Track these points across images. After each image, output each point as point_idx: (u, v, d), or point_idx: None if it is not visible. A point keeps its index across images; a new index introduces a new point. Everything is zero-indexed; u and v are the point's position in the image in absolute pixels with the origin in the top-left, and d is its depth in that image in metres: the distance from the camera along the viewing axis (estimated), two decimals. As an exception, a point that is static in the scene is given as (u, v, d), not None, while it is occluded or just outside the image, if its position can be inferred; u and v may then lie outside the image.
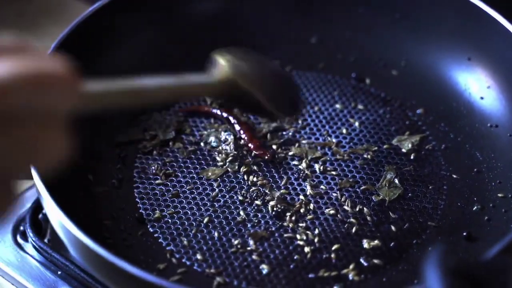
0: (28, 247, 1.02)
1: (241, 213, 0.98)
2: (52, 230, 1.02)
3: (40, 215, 1.04)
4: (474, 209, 0.99)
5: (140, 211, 0.99)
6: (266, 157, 1.03)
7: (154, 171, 1.02)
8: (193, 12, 1.18)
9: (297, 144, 1.06)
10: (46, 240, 1.02)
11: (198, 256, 0.94)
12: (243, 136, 1.06)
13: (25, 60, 0.52)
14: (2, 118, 0.51)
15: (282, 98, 0.87)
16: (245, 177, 1.02)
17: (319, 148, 1.06)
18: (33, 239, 1.00)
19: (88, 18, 1.06)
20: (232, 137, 1.05)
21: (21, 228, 1.04)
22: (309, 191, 1.00)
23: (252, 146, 1.05)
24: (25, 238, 1.03)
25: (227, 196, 1.00)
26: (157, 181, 1.02)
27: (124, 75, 1.07)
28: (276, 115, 0.87)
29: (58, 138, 0.54)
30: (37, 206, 1.04)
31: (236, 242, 0.95)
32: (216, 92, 0.82)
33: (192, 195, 1.00)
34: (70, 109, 0.55)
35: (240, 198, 0.99)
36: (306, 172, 1.03)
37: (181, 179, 1.02)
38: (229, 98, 0.83)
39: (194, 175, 1.03)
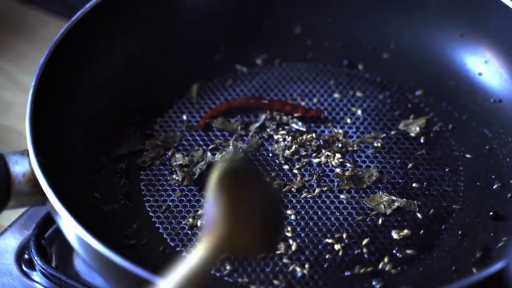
0: (35, 275, 0.96)
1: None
2: (59, 255, 0.97)
3: (43, 241, 0.98)
4: (494, 187, 0.98)
5: (156, 225, 0.93)
6: (322, 114, 1.05)
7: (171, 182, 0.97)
8: (173, 16, 1.13)
9: (305, 139, 1.02)
10: (53, 266, 0.96)
11: (227, 266, 0.90)
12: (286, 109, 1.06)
13: None
14: None
15: None
16: (259, 178, 0.98)
17: (327, 140, 1.02)
18: (42, 266, 0.94)
19: (68, 32, 1.00)
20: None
21: (26, 256, 0.97)
22: (327, 186, 0.97)
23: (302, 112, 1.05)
24: (31, 267, 0.96)
25: (243, 200, 0.96)
26: (168, 193, 0.97)
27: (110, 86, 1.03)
28: None
29: None
30: (40, 232, 0.97)
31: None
32: None
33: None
34: None
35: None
36: (322, 167, 0.99)
37: (192, 187, 0.98)
38: None
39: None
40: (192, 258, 0.70)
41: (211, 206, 0.74)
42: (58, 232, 0.98)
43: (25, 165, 0.85)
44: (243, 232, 0.74)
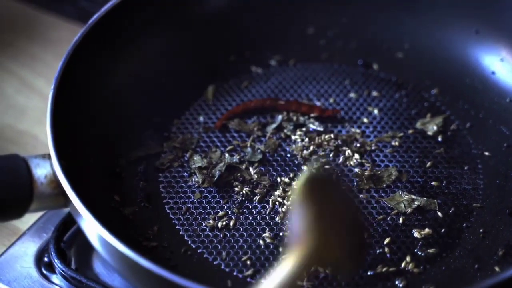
0: (55, 278, 0.96)
1: (284, 217, 0.94)
2: (78, 257, 0.97)
3: (62, 244, 0.98)
4: (514, 185, 0.98)
5: (177, 227, 0.93)
6: (338, 114, 1.05)
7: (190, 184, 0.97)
8: (188, 18, 1.13)
9: (322, 139, 1.02)
10: (73, 268, 0.96)
11: (250, 268, 0.89)
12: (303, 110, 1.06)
13: None
14: None
15: None
16: (278, 179, 0.98)
17: (345, 140, 1.02)
18: (62, 269, 0.94)
19: (86, 36, 1.00)
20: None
21: (45, 259, 0.97)
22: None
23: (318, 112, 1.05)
24: (51, 270, 0.96)
25: (263, 201, 0.96)
26: (187, 194, 0.97)
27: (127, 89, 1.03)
28: None
29: None
30: (59, 235, 0.97)
31: (285, 248, 0.91)
32: None
33: (227, 205, 0.95)
34: None
35: (280, 200, 0.95)
36: (341, 167, 0.99)
37: (211, 189, 0.97)
38: None
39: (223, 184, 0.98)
40: (282, 270, 0.71)
41: (298, 217, 0.75)
42: (77, 235, 0.98)
43: (46, 168, 0.85)
44: (332, 244, 0.75)
